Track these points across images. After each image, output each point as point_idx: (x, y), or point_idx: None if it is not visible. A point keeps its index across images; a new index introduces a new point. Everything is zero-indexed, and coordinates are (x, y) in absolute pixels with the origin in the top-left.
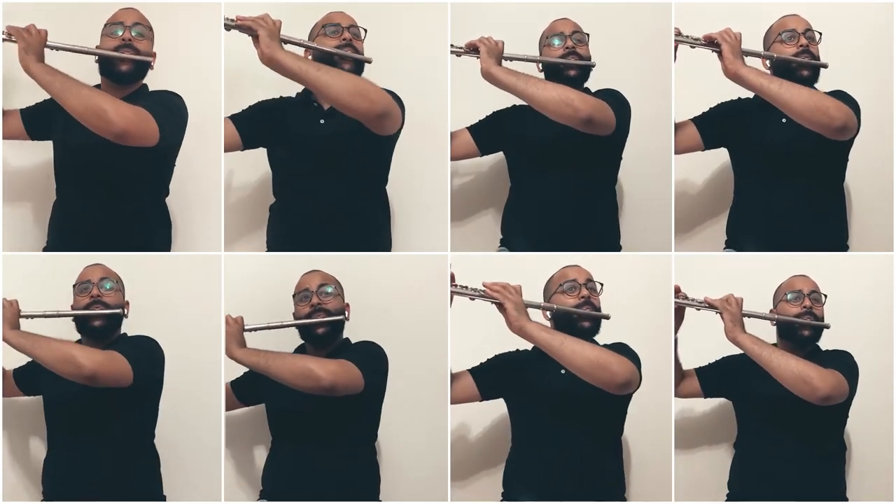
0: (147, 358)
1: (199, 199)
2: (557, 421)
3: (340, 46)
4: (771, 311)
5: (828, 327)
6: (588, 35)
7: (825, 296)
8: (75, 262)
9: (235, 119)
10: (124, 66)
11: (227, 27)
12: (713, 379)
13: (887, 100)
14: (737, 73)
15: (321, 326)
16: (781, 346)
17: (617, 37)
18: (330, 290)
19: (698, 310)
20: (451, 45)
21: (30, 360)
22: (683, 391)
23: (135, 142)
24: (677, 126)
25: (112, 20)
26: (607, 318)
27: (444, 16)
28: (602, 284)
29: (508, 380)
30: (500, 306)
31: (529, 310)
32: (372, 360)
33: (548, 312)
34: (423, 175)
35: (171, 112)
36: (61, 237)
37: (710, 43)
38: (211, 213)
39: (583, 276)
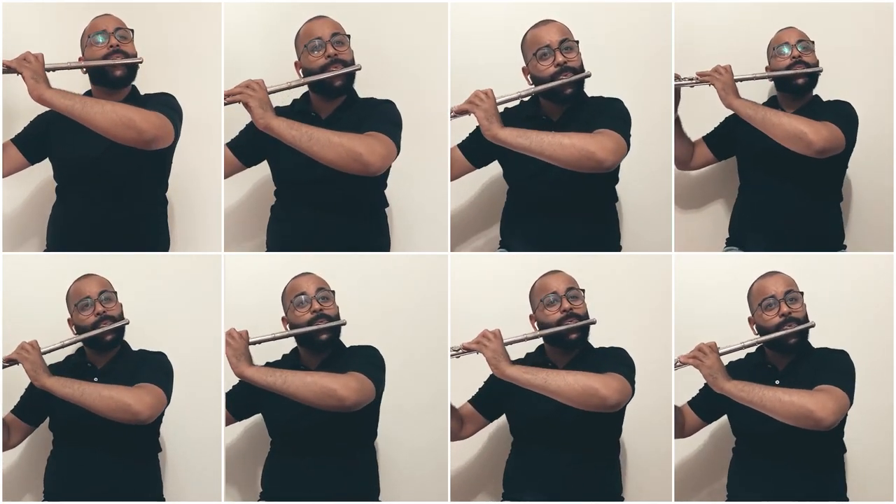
0: (170, 381)
1: (199, 199)
2: (555, 430)
3: (325, 65)
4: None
5: (812, 326)
6: (577, 42)
7: (802, 293)
8: (75, 263)
9: (233, 146)
10: (118, 72)
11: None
12: (707, 406)
13: (887, 101)
14: (730, 105)
15: (325, 333)
16: (770, 356)
17: (616, 37)
18: (328, 294)
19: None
20: (451, 112)
21: (28, 390)
22: (687, 430)
23: (158, 145)
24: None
25: (92, 29)
26: (594, 323)
27: (444, 16)
28: (584, 290)
29: (506, 398)
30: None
31: None
32: (378, 369)
33: (536, 323)
34: (423, 175)
35: (176, 112)
36: (61, 238)
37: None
38: (211, 213)
39: (563, 284)
